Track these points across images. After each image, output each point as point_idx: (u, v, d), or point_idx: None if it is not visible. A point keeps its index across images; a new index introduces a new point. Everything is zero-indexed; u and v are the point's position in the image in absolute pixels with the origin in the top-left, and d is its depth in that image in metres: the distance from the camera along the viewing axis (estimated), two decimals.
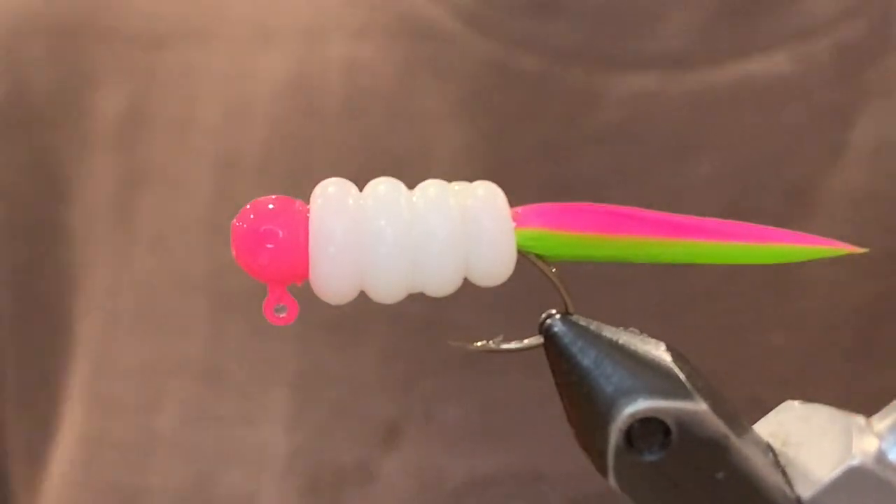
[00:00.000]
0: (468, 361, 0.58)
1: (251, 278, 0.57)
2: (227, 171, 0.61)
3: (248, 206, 0.36)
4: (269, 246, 0.35)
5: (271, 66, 0.63)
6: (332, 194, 0.35)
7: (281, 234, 0.35)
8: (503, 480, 0.57)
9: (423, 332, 0.59)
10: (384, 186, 0.36)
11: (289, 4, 0.64)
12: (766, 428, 0.36)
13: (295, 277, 0.35)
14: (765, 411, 0.37)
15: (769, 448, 0.35)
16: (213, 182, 0.61)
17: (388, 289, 0.35)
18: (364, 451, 0.58)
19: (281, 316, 0.36)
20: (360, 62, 0.62)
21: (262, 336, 0.59)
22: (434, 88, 0.62)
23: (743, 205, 0.60)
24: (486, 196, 0.36)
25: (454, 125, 0.61)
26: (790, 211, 0.60)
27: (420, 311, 0.59)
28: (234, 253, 0.35)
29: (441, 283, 0.35)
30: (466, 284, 0.36)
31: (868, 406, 0.56)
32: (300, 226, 0.35)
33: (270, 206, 0.35)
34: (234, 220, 0.35)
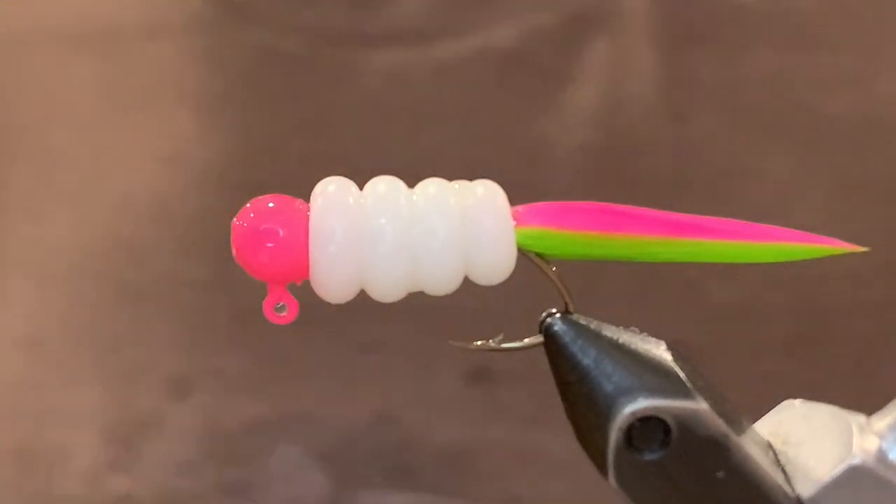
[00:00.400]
0: (248, 319, 0.67)
1: (70, 258, 0.68)
2: (44, 163, 0.71)
3: (249, 205, 0.36)
4: (269, 245, 0.35)
5: (82, 68, 0.72)
6: (332, 193, 0.35)
7: (281, 232, 0.35)
8: (275, 420, 0.67)
9: (208, 293, 0.69)
10: (384, 185, 0.36)
11: (93, 12, 0.74)
12: (767, 427, 0.36)
13: (295, 276, 0.35)
14: None
15: (769, 447, 0.35)
16: (31, 174, 0.72)
17: (388, 288, 0.35)
18: (157, 402, 0.67)
19: (282, 315, 0.36)
20: (156, 58, 0.71)
21: (77, 308, 0.69)
22: (215, 75, 0.71)
23: (484, 164, 0.67)
24: (486, 195, 0.36)
25: (229, 108, 0.70)
26: (529, 168, 0.67)
27: (202, 275, 0.69)
28: (234, 251, 0.35)
29: (441, 281, 0.35)
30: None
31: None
32: (300, 224, 0.35)
33: (270, 204, 0.35)
34: (235, 219, 0.35)
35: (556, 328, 0.35)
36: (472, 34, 0.69)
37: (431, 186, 0.36)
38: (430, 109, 0.69)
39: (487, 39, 0.69)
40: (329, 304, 0.69)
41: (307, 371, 0.68)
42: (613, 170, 0.68)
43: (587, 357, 0.35)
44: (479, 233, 0.35)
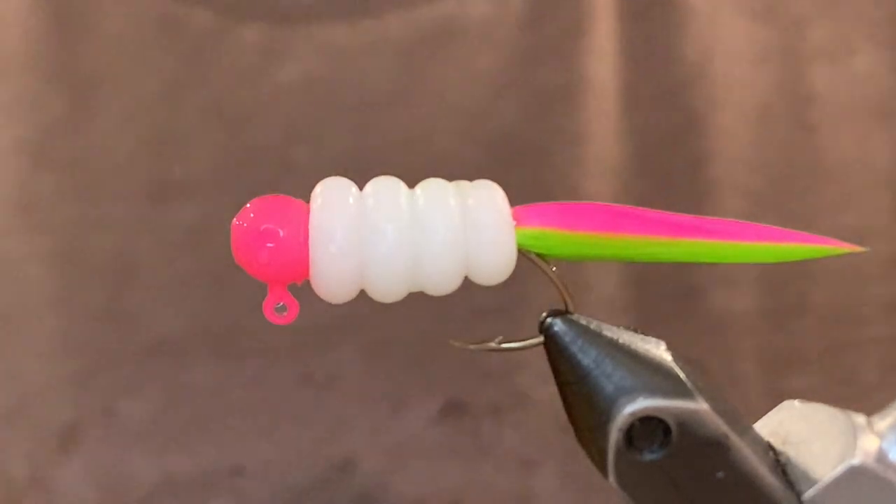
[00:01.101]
0: (151, 349, 0.55)
1: None
2: None
3: (249, 206, 0.35)
4: (269, 245, 0.35)
5: None
6: (332, 193, 0.35)
7: (281, 233, 0.35)
8: (199, 478, 0.54)
9: (99, 320, 0.56)
10: (384, 185, 0.36)
11: None
12: (767, 427, 0.36)
13: (295, 276, 0.35)
14: None
15: (769, 447, 0.35)
16: None
17: (389, 288, 0.35)
18: (38, 459, 0.54)
19: (282, 315, 0.36)
20: (8, 19, 0.59)
21: None
22: (93, 46, 0.58)
23: (449, 159, 0.57)
24: (486, 195, 0.36)
25: (117, 86, 0.57)
26: (491, 162, 0.57)
27: (94, 298, 0.56)
28: (233, 252, 0.35)
29: (441, 282, 0.35)
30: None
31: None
32: (300, 225, 0.35)
33: (271, 204, 0.35)
34: (235, 219, 0.35)
35: (556, 328, 0.36)
36: (432, 3, 0.57)
37: (432, 186, 0.36)
38: (379, 95, 0.57)
39: (450, 9, 0.58)
40: (262, 330, 0.53)
41: (234, 412, 0.54)
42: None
43: (587, 357, 0.35)
44: (479, 233, 0.35)
